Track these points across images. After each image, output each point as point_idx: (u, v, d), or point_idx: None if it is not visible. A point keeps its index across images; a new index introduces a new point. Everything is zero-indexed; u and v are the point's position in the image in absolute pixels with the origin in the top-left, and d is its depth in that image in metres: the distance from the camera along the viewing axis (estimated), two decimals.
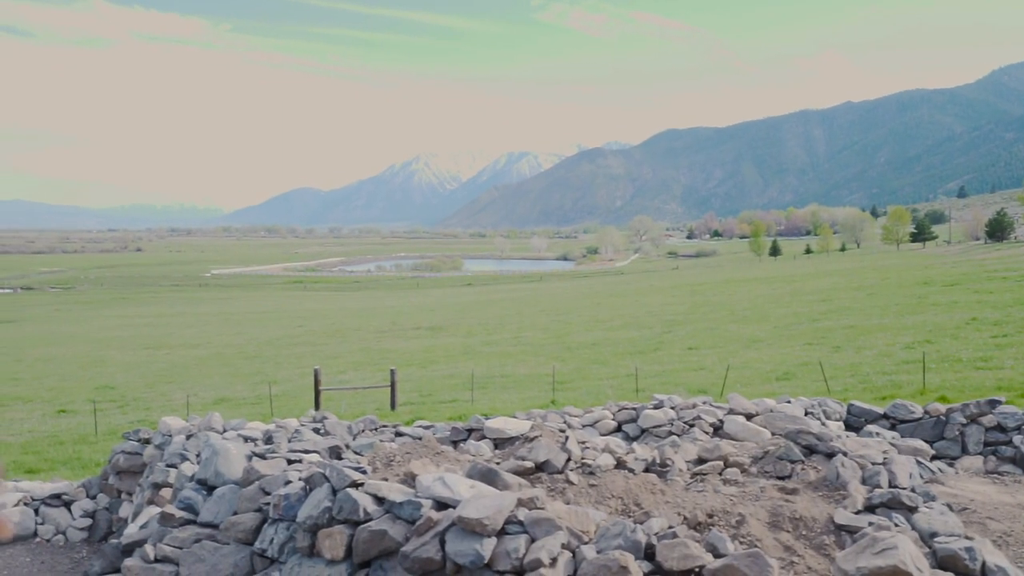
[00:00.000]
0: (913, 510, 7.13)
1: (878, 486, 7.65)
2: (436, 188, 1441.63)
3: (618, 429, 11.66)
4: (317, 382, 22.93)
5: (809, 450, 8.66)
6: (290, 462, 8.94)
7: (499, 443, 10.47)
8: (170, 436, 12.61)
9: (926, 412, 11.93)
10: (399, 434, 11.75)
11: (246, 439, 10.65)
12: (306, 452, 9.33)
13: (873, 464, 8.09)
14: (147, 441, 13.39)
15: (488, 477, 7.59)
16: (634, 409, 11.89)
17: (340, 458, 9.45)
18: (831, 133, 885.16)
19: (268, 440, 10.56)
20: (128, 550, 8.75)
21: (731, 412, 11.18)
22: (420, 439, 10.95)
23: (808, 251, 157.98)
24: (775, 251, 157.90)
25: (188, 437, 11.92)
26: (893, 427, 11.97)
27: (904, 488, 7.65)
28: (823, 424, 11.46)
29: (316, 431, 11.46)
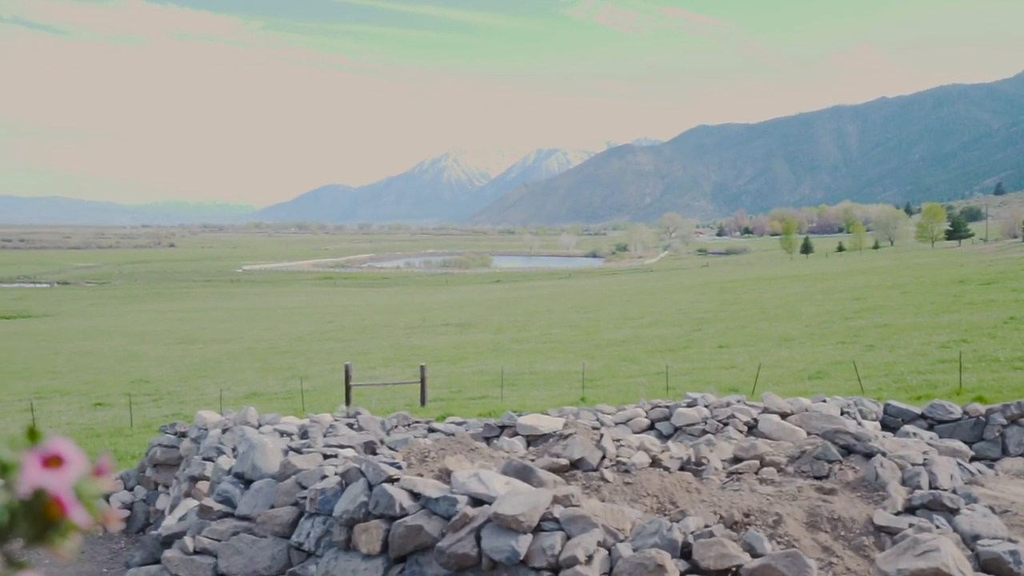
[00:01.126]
0: (955, 512, 7.03)
1: (918, 487, 7.55)
2: (465, 185, 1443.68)
3: (651, 427, 11.62)
4: (348, 377, 23.05)
5: (847, 450, 8.56)
6: (326, 457, 9.01)
7: (532, 440, 10.48)
8: (206, 430, 12.77)
9: (965, 413, 11.75)
10: (432, 430, 11.80)
11: (282, 433, 10.76)
12: (341, 447, 9.40)
13: (913, 465, 7.98)
14: (183, 435, 13.57)
15: (523, 474, 7.60)
16: (667, 407, 11.84)
17: (375, 453, 9.51)
18: (864, 129, 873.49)
19: (303, 435, 10.65)
20: (167, 542, 8.89)
21: (765, 411, 11.09)
22: (453, 435, 10.98)
23: (840, 249, 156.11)
24: (807, 249, 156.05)
25: (224, 431, 12.06)
26: (931, 427, 11.80)
27: (945, 490, 7.54)
28: (859, 424, 11.33)
29: (350, 426, 11.54)
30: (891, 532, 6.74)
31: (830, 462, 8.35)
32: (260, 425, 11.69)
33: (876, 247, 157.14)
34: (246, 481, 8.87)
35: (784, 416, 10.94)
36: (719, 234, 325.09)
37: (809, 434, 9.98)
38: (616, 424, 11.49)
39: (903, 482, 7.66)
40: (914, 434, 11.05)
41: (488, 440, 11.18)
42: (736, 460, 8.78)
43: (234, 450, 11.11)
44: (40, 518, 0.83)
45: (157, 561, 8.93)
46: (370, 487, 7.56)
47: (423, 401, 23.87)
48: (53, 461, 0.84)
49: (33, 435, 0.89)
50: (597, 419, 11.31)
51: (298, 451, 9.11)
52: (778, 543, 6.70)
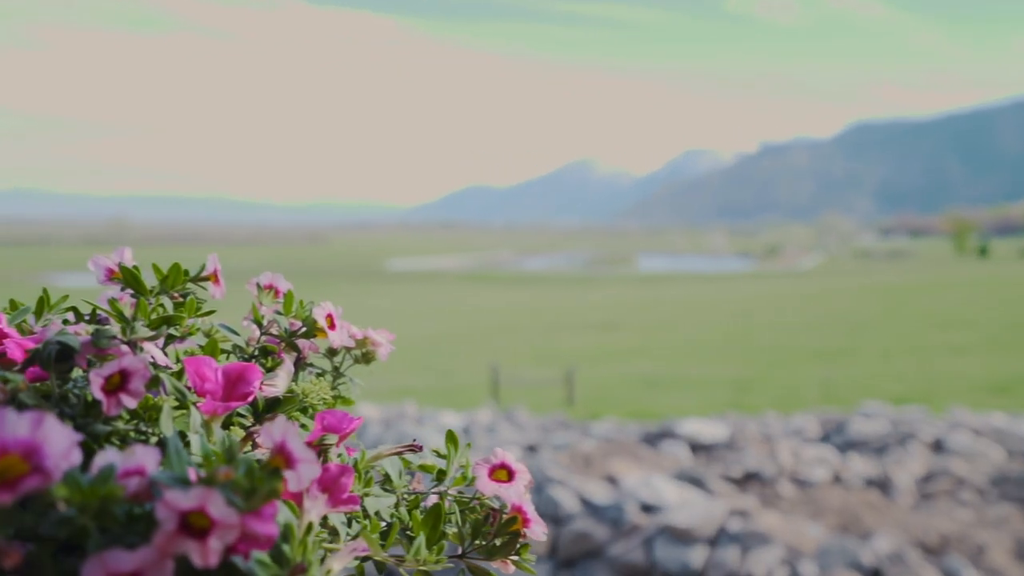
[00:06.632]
0: None
1: None
2: (611, 184, 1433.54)
3: (823, 439, 10.95)
4: (495, 376, 23.30)
5: None
6: None
7: (695, 447, 10.10)
8: (366, 423, 13.15)
9: None
10: (588, 433, 11.62)
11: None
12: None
13: None
14: None
15: (695, 483, 7.30)
16: (840, 419, 11.14)
17: (536, 454, 9.44)
18: None
19: (465, 432, 10.74)
20: None
21: (954, 427, 10.21)
22: (611, 439, 10.76)
23: None
24: (983, 252, 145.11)
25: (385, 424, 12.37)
26: None
27: None
28: None
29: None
30: None
31: None
32: (420, 420, 11.90)
33: None
34: None
35: (976, 434, 10.04)
36: (883, 235, 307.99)
37: (1009, 454, 9.10)
38: (784, 435, 10.91)
39: None
40: None
41: (647, 445, 10.89)
42: (926, 479, 8.09)
43: None
44: (504, 531, 0.77)
45: None
46: (536, 489, 7.48)
47: (570, 402, 23.79)
48: (500, 472, 0.75)
49: (453, 439, 0.81)
50: (764, 428, 10.78)
51: None
52: (982, 573, 6.09)
